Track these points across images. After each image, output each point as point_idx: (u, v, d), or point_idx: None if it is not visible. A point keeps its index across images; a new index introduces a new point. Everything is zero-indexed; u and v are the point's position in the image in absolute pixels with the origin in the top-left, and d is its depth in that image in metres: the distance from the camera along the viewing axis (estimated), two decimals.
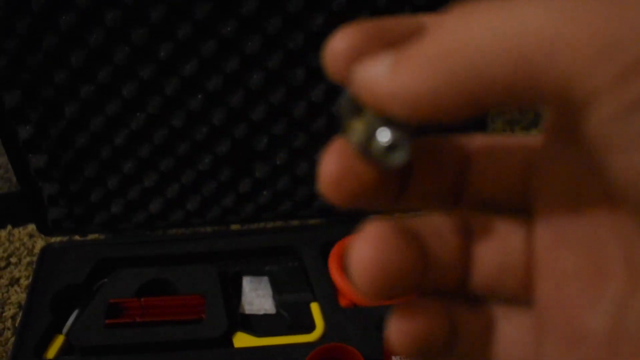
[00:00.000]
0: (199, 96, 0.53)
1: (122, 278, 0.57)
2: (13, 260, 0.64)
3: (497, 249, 0.15)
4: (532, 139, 0.16)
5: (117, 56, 0.50)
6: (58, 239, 0.62)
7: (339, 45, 0.14)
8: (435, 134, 0.16)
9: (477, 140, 0.16)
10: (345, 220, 0.61)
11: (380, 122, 0.14)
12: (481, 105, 0.12)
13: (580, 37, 0.11)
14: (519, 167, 0.15)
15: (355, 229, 0.15)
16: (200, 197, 0.59)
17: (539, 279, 0.15)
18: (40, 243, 0.65)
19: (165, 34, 0.50)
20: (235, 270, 0.59)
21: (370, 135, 0.14)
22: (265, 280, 0.58)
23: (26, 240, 0.66)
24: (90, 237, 0.62)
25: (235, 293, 0.57)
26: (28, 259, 0.64)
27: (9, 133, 0.53)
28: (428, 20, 0.14)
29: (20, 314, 0.55)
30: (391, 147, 0.13)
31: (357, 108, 0.14)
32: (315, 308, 0.54)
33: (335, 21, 0.51)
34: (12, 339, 0.55)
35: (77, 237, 0.62)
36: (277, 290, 0.57)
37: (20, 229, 0.67)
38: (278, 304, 0.56)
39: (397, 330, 0.15)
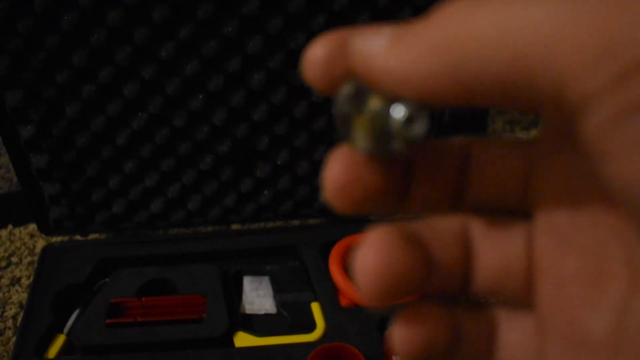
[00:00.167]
0: (200, 96, 0.53)
1: (123, 278, 0.57)
2: (14, 259, 0.64)
3: (499, 253, 0.15)
4: (532, 140, 0.16)
5: (119, 56, 0.51)
6: (59, 238, 0.62)
7: (317, 53, 0.14)
8: (435, 136, 0.16)
9: (477, 142, 0.16)
10: (346, 220, 0.61)
11: (386, 106, 0.13)
12: (474, 96, 0.12)
13: (577, 39, 0.10)
14: (519, 169, 0.15)
15: (356, 229, 0.15)
16: (201, 196, 0.59)
17: (540, 282, 0.15)
18: (41, 243, 0.65)
19: (167, 33, 0.50)
20: (236, 269, 0.59)
21: (381, 122, 0.14)
22: (265, 280, 0.58)
23: (27, 240, 0.66)
24: (91, 236, 0.62)
25: (236, 293, 0.57)
26: (29, 258, 0.64)
27: (10, 133, 0.54)
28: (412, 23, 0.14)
29: (22, 313, 0.55)
30: (410, 120, 0.13)
31: (356, 105, 0.14)
32: (315, 308, 0.54)
33: (337, 21, 0.51)
34: (14, 339, 0.55)
35: (78, 237, 0.62)
36: (278, 289, 0.57)
37: (22, 228, 0.67)
38: (279, 303, 0.56)
39: (401, 335, 0.15)
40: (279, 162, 0.58)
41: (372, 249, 0.14)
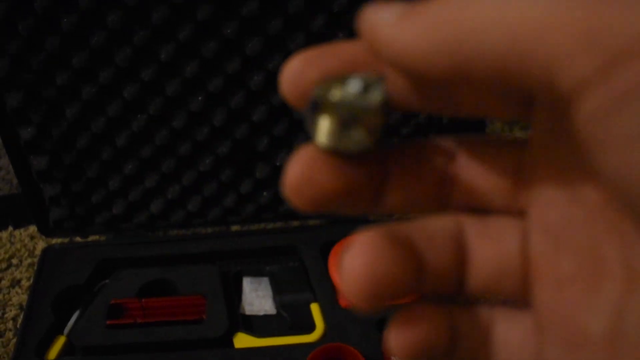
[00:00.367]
0: (200, 97, 0.54)
1: (123, 279, 0.57)
2: (14, 261, 0.64)
3: (494, 252, 0.15)
4: (522, 139, 0.15)
5: (119, 57, 0.51)
6: (59, 240, 0.62)
7: (288, 71, 0.15)
8: (414, 137, 0.16)
9: (464, 142, 0.16)
10: (346, 221, 0.61)
11: (344, 92, 0.14)
12: (468, 76, 0.12)
13: (566, 27, 0.11)
14: (509, 169, 0.15)
15: (356, 230, 0.15)
16: (201, 197, 0.59)
17: (537, 282, 0.15)
18: (41, 244, 0.65)
19: (166, 35, 0.50)
20: (236, 270, 0.59)
21: (340, 111, 0.14)
22: (265, 281, 0.58)
23: (27, 242, 0.66)
24: (91, 238, 0.63)
25: (235, 293, 0.57)
26: (29, 260, 0.64)
27: (10, 134, 0.54)
28: None
29: (22, 315, 0.55)
30: (366, 89, 0.13)
31: (318, 102, 0.14)
32: (315, 308, 0.54)
33: (336, 22, 0.51)
34: (14, 340, 0.55)
35: (78, 239, 0.62)
36: (278, 290, 0.57)
37: (22, 230, 0.67)
38: (278, 304, 0.56)
39: (397, 337, 0.15)
40: (278, 163, 0.58)
41: (358, 253, 0.14)
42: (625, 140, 0.10)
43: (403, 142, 0.16)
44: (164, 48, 0.51)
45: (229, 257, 0.60)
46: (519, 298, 0.15)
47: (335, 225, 0.61)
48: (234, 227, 0.64)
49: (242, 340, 0.52)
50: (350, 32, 0.52)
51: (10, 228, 0.67)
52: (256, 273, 0.59)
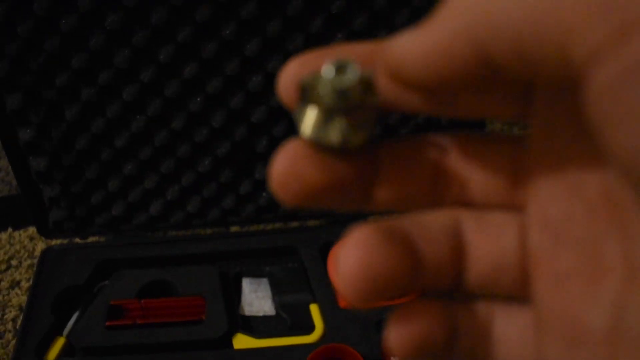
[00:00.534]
0: (199, 98, 0.54)
1: (123, 279, 0.57)
2: (14, 262, 0.64)
3: (492, 247, 0.15)
4: (519, 135, 0.15)
5: (118, 58, 0.51)
6: (58, 241, 0.62)
7: (285, 75, 0.15)
8: (404, 134, 0.16)
9: (459, 138, 0.16)
10: (345, 221, 0.61)
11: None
12: (489, 62, 0.12)
13: None
14: (506, 164, 0.15)
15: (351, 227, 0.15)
16: (200, 198, 0.59)
17: (536, 277, 0.14)
18: (40, 245, 0.65)
19: (166, 36, 0.50)
20: (235, 271, 0.59)
21: (323, 102, 0.14)
22: (264, 281, 0.58)
23: (27, 243, 0.66)
24: (91, 239, 0.63)
25: (235, 294, 0.57)
26: (29, 261, 0.64)
27: (9, 135, 0.54)
28: (383, 45, 0.14)
29: (21, 316, 0.55)
30: (339, 71, 0.13)
31: (301, 97, 0.14)
32: (314, 309, 0.54)
33: (335, 23, 0.51)
34: (13, 341, 0.55)
35: (77, 240, 0.62)
36: (277, 291, 0.57)
37: (21, 231, 0.67)
38: (278, 305, 0.56)
39: (396, 335, 0.15)
40: None
41: (353, 249, 0.14)
42: (635, 113, 0.10)
43: (395, 138, 0.16)
44: (163, 49, 0.51)
45: (229, 258, 0.60)
46: (518, 294, 0.15)
47: (335, 226, 0.61)
48: (234, 228, 0.64)
49: (242, 341, 0.52)
50: (349, 33, 0.52)
51: (10, 229, 0.67)
52: (255, 274, 0.59)
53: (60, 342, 0.52)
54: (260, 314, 0.56)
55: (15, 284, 0.62)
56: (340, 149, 0.15)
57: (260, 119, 0.55)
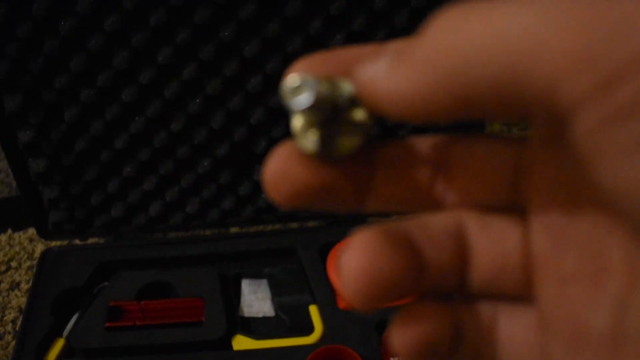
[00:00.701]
0: (198, 99, 0.54)
1: (122, 281, 0.57)
2: (13, 264, 0.64)
3: (495, 249, 0.15)
4: (520, 136, 0.15)
5: (117, 60, 0.51)
6: (58, 242, 0.62)
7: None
8: (402, 135, 0.16)
9: (459, 140, 0.16)
10: (345, 222, 0.61)
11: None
12: (472, 107, 0.12)
13: (564, 43, 0.11)
14: (507, 165, 0.15)
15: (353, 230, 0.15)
16: (199, 199, 0.59)
17: (540, 278, 0.15)
18: (40, 247, 0.65)
19: (164, 38, 0.50)
20: (235, 272, 0.59)
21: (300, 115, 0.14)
22: (264, 283, 0.58)
23: (26, 244, 0.66)
24: (90, 240, 0.63)
25: (234, 296, 0.57)
26: (28, 263, 0.64)
27: (9, 137, 0.54)
28: (389, 47, 0.14)
29: (21, 317, 0.55)
30: (297, 89, 0.14)
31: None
32: (314, 310, 0.54)
33: (333, 24, 0.51)
34: (13, 343, 0.55)
35: (77, 241, 0.62)
36: (276, 292, 0.57)
37: (21, 233, 0.67)
38: (277, 306, 0.56)
39: (399, 336, 0.15)
40: None
41: (357, 252, 0.14)
42: (621, 152, 0.10)
43: (392, 140, 0.16)
44: (162, 50, 0.51)
45: (228, 259, 0.60)
46: (521, 295, 0.15)
47: (334, 227, 0.61)
48: (233, 229, 0.64)
49: (241, 343, 0.52)
50: (348, 34, 0.52)
51: (10, 231, 0.67)
52: (255, 275, 0.59)
53: (59, 344, 0.52)
54: (260, 315, 0.56)
55: (15, 286, 0.62)
56: (321, 157, 0.15)
57: (260, 120, 0.55)
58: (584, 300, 0.13)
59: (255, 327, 0.55)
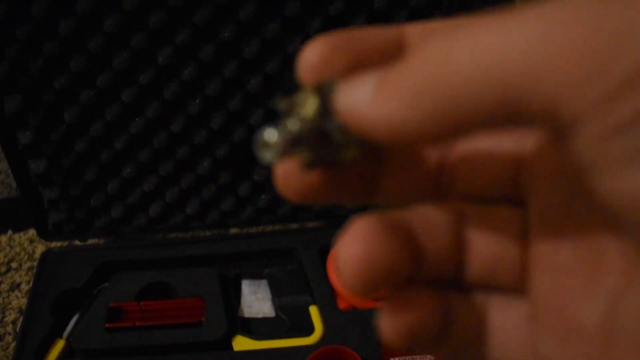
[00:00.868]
0: (198, 100, 0.54)
1: (122, 282, 0.57)
2: (14, 265, 0.64)
3: (492, 240, 0.15)
4: (522, 131, 0.16)
5: (117, 61, 0.51)
6: (58, 243, 0.62)
7: (310, 56, 0.14)
8: None
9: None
10: (345, 223, 0.61)
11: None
12: (465, 130, 0.12)
13: (562, 60, 0.10)
14: (509, 159, 0.15)
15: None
16: (199, 200, 0.59)
17: (535, 270, 0.15)
18: (40, 248, 0.65)
19: (164, 39, 0.50)
20: (234, 273, 0.59)
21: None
22: (264, 283, 0.58)
23: (27, 246, 0.66)
24: (90, 241, 0.63)
25: (234, 296, 0.57)
26: (28, 264, 0.64)
27: (9, 138, 0.54)
28: (407, 30, 0.14)
29: (21, 318, 0.55)
30: (264, 145, 0.14)
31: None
32: (314, 311, 0.54)
33: (333, 25, 0.51)
34: (13, 344, 0.55)
35: (77, 242, 0.62)
36: (276, 293, 0.57)
37: (21, 234, 0.67)
38: (277, 307, 0.56)
39: (388, 321, 0.15)
40: None
41: (354, 240, 0.14)
42: (622, 164, 0.10)
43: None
44: (162, 51, 0.51)
45: (228, 260, 0.60)
46: (515, 287, 0.15)
47: (334, 228, 0.61)
48: (233, 230, 0.64)
49: (241, 343, 0.52)
50: None
51: (10, 232, 0.67)
52: (255, 276, 0.59)
53: (60, 345, 0.52)
54: (260, 315, 0.56)
55: (15, 287, 0.62)
56: (320, 167, 0.15)
57: (259, 121, 0.55)
58: (578, 294, 0.13)
59: (255, 327, 0.55)
